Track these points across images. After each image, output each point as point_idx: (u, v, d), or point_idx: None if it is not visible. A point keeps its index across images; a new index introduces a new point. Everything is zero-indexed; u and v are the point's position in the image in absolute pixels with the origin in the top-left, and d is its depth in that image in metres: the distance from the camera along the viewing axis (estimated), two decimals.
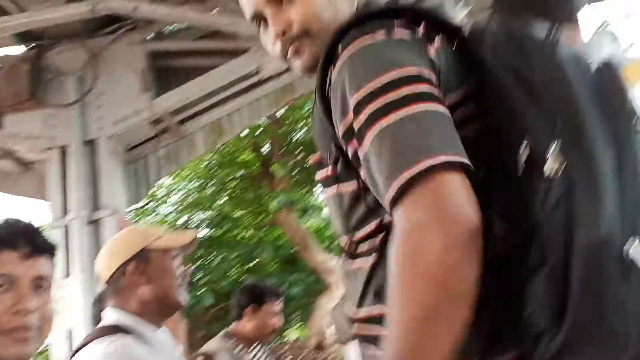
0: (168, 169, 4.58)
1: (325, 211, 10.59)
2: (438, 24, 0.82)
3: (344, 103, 0.77)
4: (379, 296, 0.80)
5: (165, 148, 4.56)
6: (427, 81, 0.74)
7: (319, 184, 0.94)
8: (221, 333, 2.51)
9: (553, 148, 0.66)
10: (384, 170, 0.70)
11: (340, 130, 0.79)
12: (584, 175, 0.66)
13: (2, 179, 4.63)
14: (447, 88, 0.78)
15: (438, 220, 0.64)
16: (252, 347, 2.50)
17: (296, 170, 9.10)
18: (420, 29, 0.80)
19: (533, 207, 0.67)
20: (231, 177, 10.70)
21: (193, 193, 11.21)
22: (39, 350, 1.08)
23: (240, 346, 2.43)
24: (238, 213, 10.96)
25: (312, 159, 0.94)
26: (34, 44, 4.22)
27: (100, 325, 1.46)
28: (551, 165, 0.65)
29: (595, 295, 0.63)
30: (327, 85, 0.82)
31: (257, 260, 9.91)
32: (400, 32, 0.78)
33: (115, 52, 4.29)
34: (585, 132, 0.68)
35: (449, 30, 0.83)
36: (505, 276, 0.70)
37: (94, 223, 3.83)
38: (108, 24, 4.29)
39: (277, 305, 2.54)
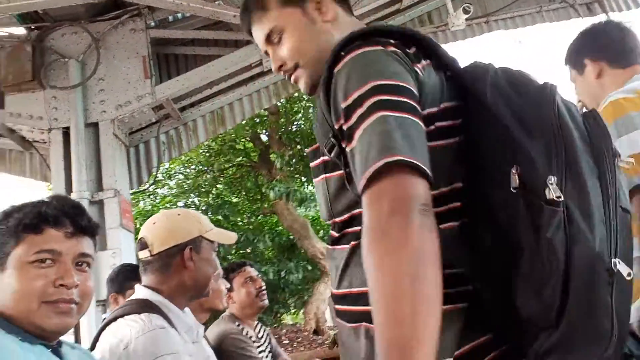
0: (170, 154, 4.64)
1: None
2: (429, 50, 0.96)
3: (337, 106, 0.88)
4: (355, 277, 0.90)
5: (167, 134, 4.63)
6: (409, 94, 0.84)
7: (312, 172, 1.04)
8: (224, 316, 2.56)
9: (552, 180, 0.76)
10: (362, 165, 0.79)
11: (336, 126, 0.89)
12: (579, 204, 0.78)
13: (3, 158, 4.69)
14: (430, 101, 0.90)
15: (397, 204, 0.74)
16: (254, 325, 2.59)
17: (294, 161, 9.14)
18: (412, 49, 0.93)
19: (535, 226, 0.76)
20: (230, 164, 10.74)
21: (192, 178, 11.25)
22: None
23: (243, 326, 2.50)
24: (235, 200, 11.02)
25: (310, 148, 1.05)
26: (35, 25, 4.24)
27: (132, 298, 1.49)
28: (551, 194, 0.75)
29: (589, 300, 0.76)
30: (332, 83, 0.92)
31: (254, 247, 9.99)
32: (393, 47, 0.91)
33: (118, 38, 4.32)
34: (580, 169, 0.79)
35: (442, 59, 0.96)
36: (499, 281, 0.80)
37: (97, 204, 3.89)
38: (111, 9, 4.31)
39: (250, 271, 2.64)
